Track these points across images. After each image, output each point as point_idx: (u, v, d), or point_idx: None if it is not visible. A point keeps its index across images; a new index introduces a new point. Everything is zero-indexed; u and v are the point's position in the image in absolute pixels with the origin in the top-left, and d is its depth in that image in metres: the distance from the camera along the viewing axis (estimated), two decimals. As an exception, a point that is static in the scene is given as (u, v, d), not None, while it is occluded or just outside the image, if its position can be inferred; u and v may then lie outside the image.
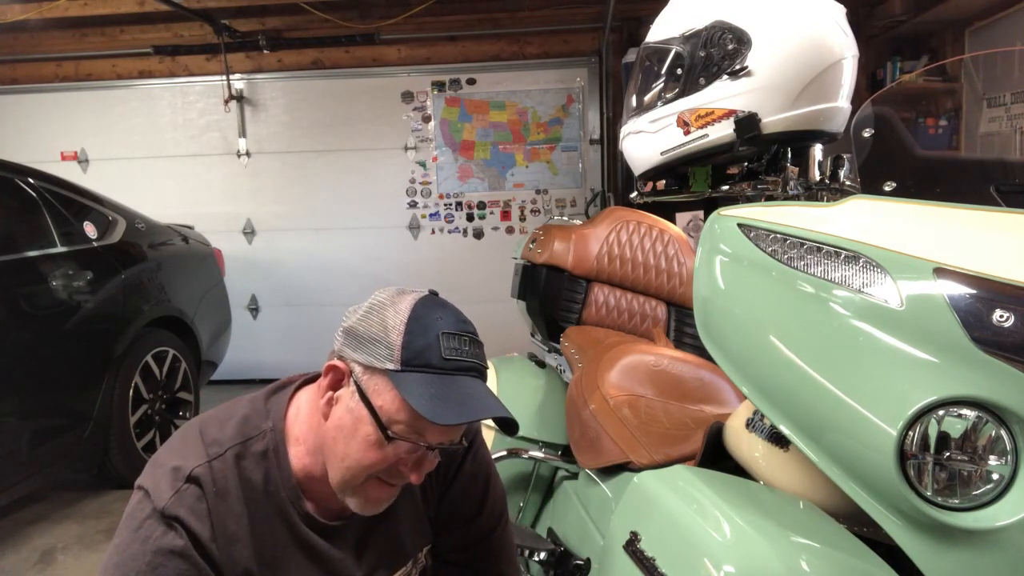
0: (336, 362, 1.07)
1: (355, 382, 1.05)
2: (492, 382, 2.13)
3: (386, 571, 1.21)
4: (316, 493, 1.12)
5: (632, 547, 1.10)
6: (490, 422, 2.04)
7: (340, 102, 5.36)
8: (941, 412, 0.86)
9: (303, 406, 1.14)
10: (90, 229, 3.38)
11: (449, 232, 5.40)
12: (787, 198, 1.26)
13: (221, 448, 1.08)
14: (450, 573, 1.30)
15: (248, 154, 5.43)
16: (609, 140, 5.18)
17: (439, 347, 1.02)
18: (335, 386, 1.08)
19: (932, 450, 0.86)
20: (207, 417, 1.15)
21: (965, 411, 0.86)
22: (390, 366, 1.02)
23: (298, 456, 1.11)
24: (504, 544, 1.32)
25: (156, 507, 1.02)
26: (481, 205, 5.38)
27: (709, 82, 1.26)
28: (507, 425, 1.09)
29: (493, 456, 1.91)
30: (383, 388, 1.02)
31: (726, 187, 1.36)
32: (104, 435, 3.25)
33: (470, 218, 5.38)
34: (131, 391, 3.36)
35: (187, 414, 3.77)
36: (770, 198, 1.29)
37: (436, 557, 1.30)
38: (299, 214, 5.44)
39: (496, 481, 1.33)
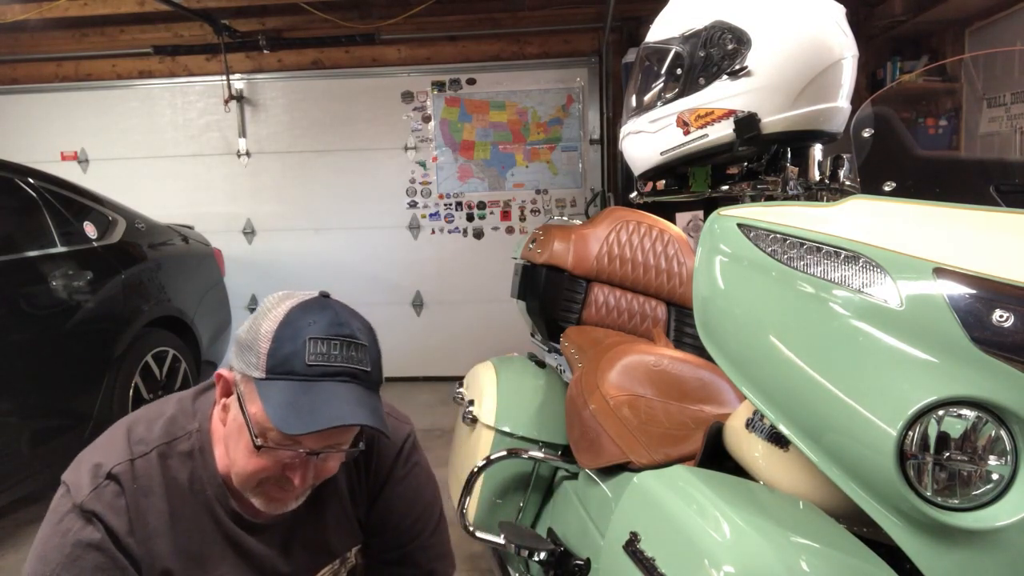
0: (222, 370, 1.10)
1: (236, 390, 1.06)
2: (491, 382, 2.13)
3: (312, 568, 1.23)
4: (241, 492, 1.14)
5: (632, 547, 1.10)
6: (489, 420, 2.05)
7: (340, 102, 5.35)
8: (941, 412, 0.86)
9: None
10: (90, 229, 3.37)
11: (449, 232, 5.40)
12: (787, 198, 1.25)
13: (147, 447, 1.11)
14: (384, 571, 1.31)
15: (248, 154, 5.43)
16: (609, 140, 5.18)
17: (304, 353, 1.01)
18: (226, 393, 1.10)
19: (932, 450, 0.86)
20: (136, 416, 1.18)
21: (965, 411, 0.85)
22: (256, 374, 1.02)
23: (221, 456, 1.13)
24: (437, 542, 1.33)
25: (75, 502, 1.05)
26: (481, 205, 5.37)
27: (709, 82, 1.26)
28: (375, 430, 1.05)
29: (493, 456, 1.92)
30: (254, 396, 1.03)
31: (726, 187, 1.36)
32: (104, 435, 3.24)
33: (470, 218, 5.38)
34: (131, 391, 3.35)
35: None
36: (770, 198, 1.29)
37: (369, 556, 1.32)
38: (299, 214, 5.43)
39: (430, 483, 1.34)
